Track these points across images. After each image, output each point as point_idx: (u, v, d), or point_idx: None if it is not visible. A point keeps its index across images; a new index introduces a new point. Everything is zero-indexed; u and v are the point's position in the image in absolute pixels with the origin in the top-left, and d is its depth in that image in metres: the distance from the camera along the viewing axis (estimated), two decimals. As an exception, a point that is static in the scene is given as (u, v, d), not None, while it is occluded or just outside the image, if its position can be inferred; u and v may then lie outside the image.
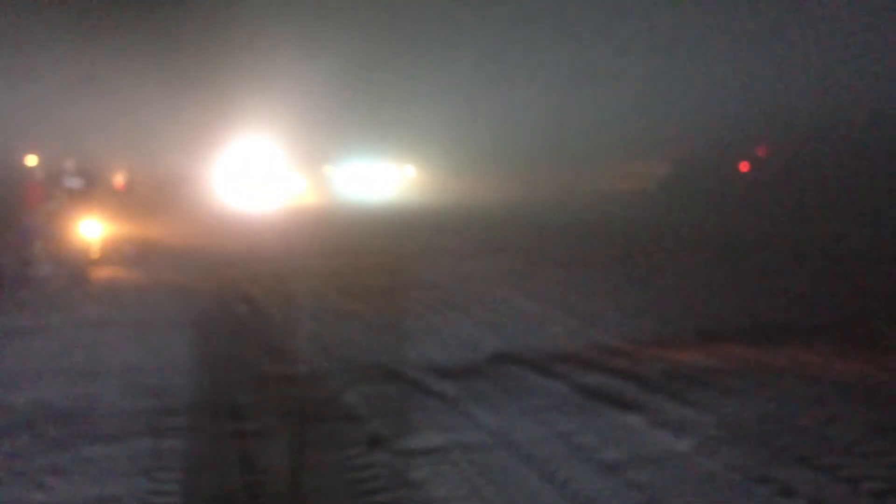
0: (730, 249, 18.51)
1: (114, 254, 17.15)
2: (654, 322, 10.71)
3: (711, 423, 6.73)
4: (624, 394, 7.55)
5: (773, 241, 19.83)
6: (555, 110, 47.71)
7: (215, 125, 42.59)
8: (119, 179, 36.99)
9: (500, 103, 49.83)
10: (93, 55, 42.46)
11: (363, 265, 16.50)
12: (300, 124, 45.02)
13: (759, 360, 8.61)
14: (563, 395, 7.54)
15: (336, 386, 7.92)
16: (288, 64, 43.69)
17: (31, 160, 40.33)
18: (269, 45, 44.17)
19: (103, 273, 15.56)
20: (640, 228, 23.85)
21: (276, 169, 41.29)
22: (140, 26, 44.30)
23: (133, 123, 42.61)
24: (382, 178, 48.05)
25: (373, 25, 50.40)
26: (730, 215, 26.43)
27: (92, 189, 17.62)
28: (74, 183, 17.17)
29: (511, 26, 47.06)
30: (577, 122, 46.65)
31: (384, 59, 50.89)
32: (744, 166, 38.85)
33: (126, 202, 29.98)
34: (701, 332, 10.00)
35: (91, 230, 16.96)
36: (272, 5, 45.01)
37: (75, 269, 15.14)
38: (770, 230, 22.29)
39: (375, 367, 8.67)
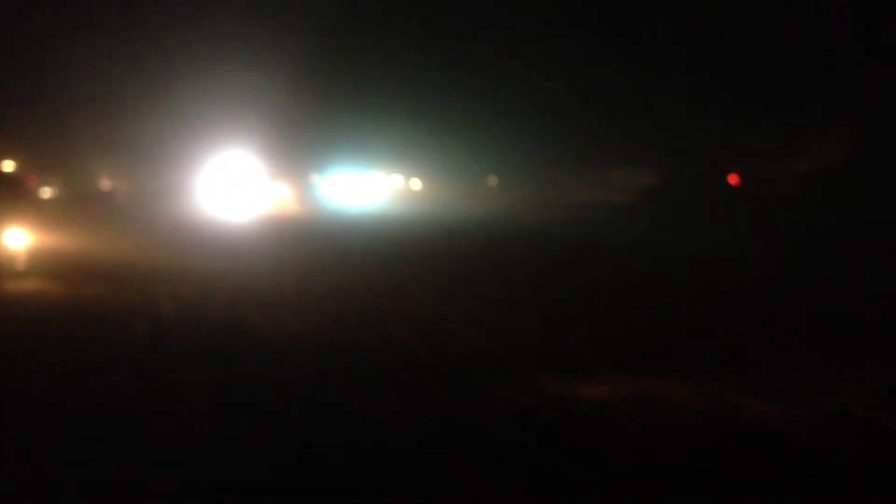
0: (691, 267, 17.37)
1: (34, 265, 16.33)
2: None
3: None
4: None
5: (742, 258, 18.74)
6: (548, 117, 46.65)
7: (196, 132, 41.94)
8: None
9: (494, 109, 48.74)
10: (77, 59, 41.95)
11: (312, 285, 15.48)
12: (285, 132, 44.35)
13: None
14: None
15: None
16: (275, 68, 42.85)
17: (7, 165, 39.80)
18: (254, 49, 43.38)
19: (14, 286, 14.71)
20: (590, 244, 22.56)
21: (256, 178, 40.58)
22: (126, 32, 43.64)
23: (111, 128, 42.07)
24: (369, 188, 47.27)
25: (367, 30, 49.43)
26: (705, 230, 25.15)
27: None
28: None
29: (502, 29, 45.99)
30: (571, 128, 45.67)
31: (375, 65, 49.88)
32: (733, 179, 37.56)
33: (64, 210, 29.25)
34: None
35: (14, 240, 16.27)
36: (258, 8, 44.17)
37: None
38: (744, 246, 21.12)
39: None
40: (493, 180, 49.68)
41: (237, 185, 40.22)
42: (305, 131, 46.06)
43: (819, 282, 15.11)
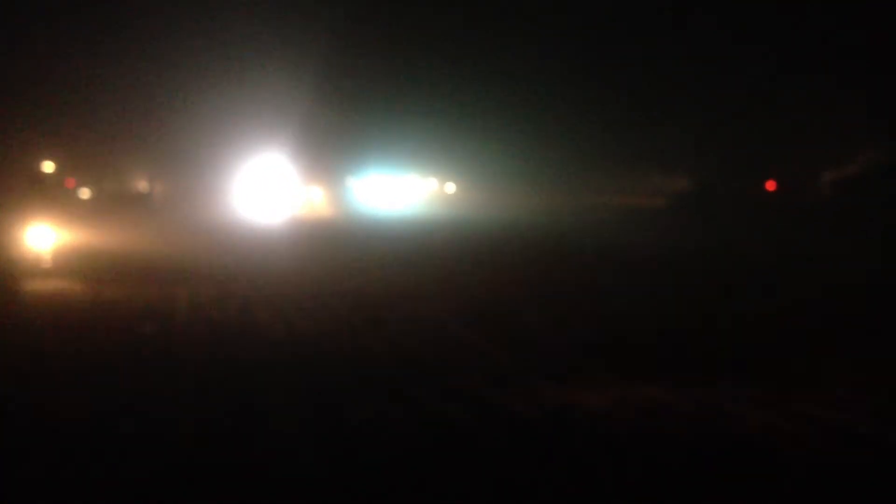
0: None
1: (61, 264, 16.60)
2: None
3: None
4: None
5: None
6: (584, 122, 46.15)
7: (232, 136, 42.22)
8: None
9: (531, 118, 48.32)
10: (115, 64, 42.47)
11: (324, 286, 15.48)
12: (319, 135, 44.46)
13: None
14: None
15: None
16: (311, 72, 42.90)
17: (47, 166, 40.52)
18: (290, 53, 43.49)
19: (37, 285, 14.91)
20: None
21: (290, 181, 40.78)
22: (163, 38, 44.00)
23: (149, 131, 42.53)
24: (402, 191, 47.26)
25: (406, 35, 49.28)
26: (737, 234, 24.69)
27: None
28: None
29: (539, 35, 45.64)
30: (606, 133, 45.20)
31: (411, 68, 49.71)
32: (771, 185, 36.97)
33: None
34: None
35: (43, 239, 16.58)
36: (295, 13, 44.28)
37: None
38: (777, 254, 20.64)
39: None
40: (526, 184, 49.43)
41: (271, 188, 40.48)
42: (340, 134, 46.18)
43: (842, 286, 14.72)
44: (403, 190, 47.66)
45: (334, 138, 45.48)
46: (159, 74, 42.48)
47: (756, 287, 14.98)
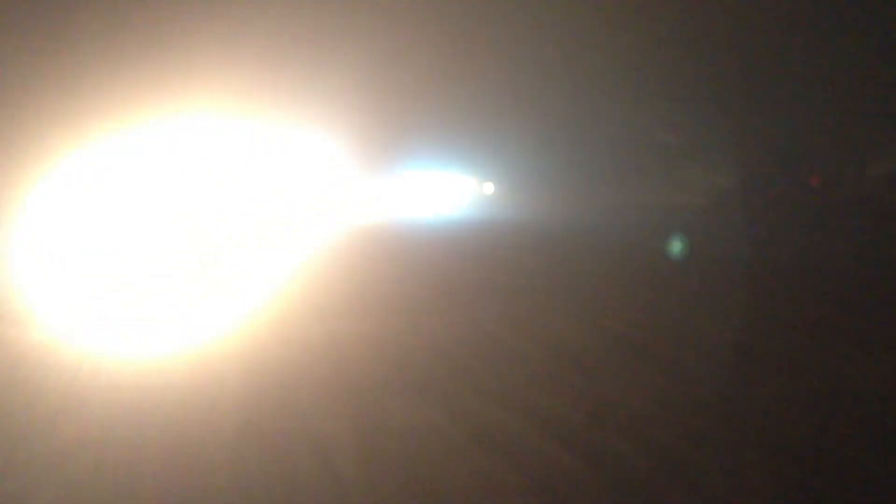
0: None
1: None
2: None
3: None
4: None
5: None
6: (623, 117, 45.79)
7: (273, 130, 42.46)
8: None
9: (569, 112, 48.06)
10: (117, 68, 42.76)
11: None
12: (360, 136, 44.63)
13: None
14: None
15: None
16: (353, 72, 42.96)
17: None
18: (332, 45, 43.48)
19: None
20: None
21: (332, 182, 41.07)
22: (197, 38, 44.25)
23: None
24: (449, 193, 47.28)
25: (450, 34, 49.11)
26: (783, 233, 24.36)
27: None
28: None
29: (579, 32, 45.30)
30: (648, 129, 44.80)
31: (451, 67, 49.60)
32: (815, 180, 36.43)
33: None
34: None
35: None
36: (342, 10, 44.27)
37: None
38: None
39: None
40: (566, 184, 49.29)
41: (312, 190, 40.79)
42: (379, 135, 46.32)
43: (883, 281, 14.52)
44: (447, 192, 47.70)
45: (374, 139, 45.67)
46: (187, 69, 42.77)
47: (796, 283, 14.84)
